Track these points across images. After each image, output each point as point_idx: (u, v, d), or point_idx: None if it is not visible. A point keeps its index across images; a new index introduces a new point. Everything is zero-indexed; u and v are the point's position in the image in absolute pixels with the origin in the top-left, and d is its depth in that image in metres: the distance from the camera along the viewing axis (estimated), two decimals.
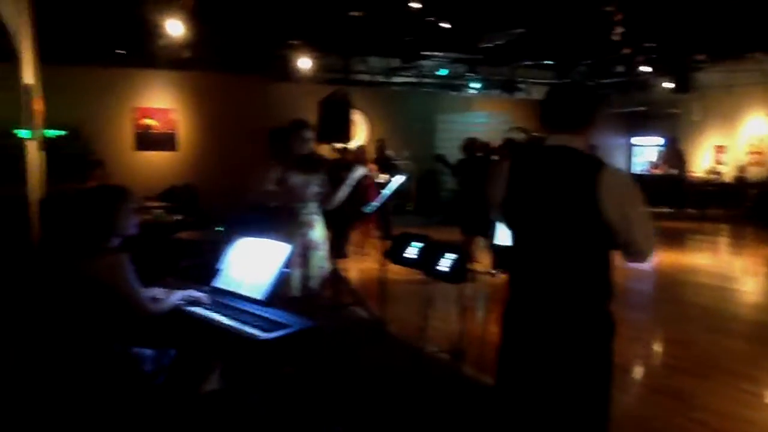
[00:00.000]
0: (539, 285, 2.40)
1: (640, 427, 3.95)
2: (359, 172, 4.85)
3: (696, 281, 7.71)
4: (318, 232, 4.69)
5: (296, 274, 4.52)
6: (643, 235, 2.30)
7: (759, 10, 9.67)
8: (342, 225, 8.12)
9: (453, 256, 3.99)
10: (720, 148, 17.19)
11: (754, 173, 16.32)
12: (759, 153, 17.38)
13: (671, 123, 18.35)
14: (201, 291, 3.40)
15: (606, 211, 2.24)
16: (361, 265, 8.67)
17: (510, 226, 2.53)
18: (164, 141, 12.42)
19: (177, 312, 3.19)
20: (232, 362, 3.38)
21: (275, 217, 4.69)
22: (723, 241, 12.89)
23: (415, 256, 4.31)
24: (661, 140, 18.66)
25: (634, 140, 19.02)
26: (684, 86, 14.36)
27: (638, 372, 5.03)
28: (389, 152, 10.75)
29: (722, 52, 13.18)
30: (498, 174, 2.51)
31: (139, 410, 2.95)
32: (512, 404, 2.51)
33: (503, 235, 3.34)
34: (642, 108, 18.03)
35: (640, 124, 18.56)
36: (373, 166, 8.41)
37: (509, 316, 2.50)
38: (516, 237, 2.51)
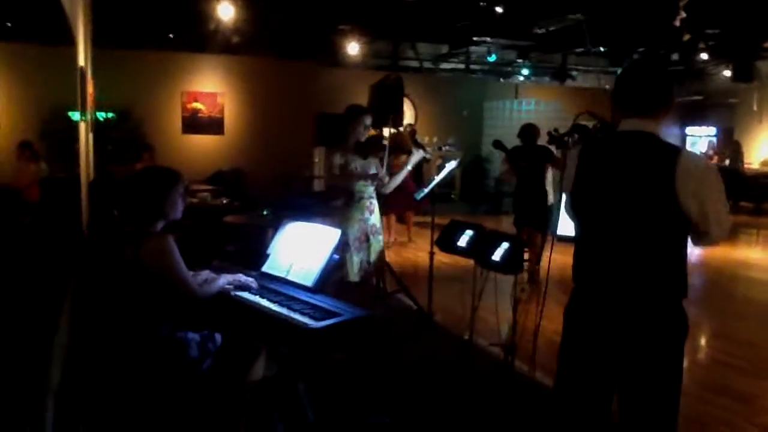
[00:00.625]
0: (609, 278, 2.25)
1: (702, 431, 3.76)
2: (417, 155, 4.83)
3: (750, 276, 7.39)
4: (377, 217, 4.70)
5: (356, 259, 4.54)
6: (718, 225, 2.19)
7: None
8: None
9: (507, 245, 3.84)
10: None
11: None
12: None
13: (728, 113, 17.76)
14: (248, 276, 3.34)
15: (683, 199, 2.11)
16: (407, 253, 8.57)
17: (579, 215, 2.38)
18: (212, 125, 12.49)
19: (224, 297, 3.13)
20: (279, 349, 3.31)
21: (329, 203, 4.70)
22: None
23: (468, 245, 4.18)
24: (713, 130, 18.09)
25: (688, 130, 18.46)
26: (745, 75, 13.80)
27: (696, 372, 4.82)
28: (418, 139, 10.58)
29: None
30: (569, 161, 2.38)
31: (184, 395, 2.90)
32: (576, 405, 2.38)
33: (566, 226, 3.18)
34: (698, 97, 17.44)
35: (695, 113, 17.98)
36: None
37: (575, 311, 2.36)
38: (584, 227, 2.36)
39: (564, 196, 2.46)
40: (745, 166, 15.93)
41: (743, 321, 6.25)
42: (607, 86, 16.47)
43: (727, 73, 14.66)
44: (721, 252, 9.05)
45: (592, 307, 2.29)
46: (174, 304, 2.92)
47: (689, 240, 2.27)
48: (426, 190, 5.30)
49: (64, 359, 3.12)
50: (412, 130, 10.96)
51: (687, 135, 18.50)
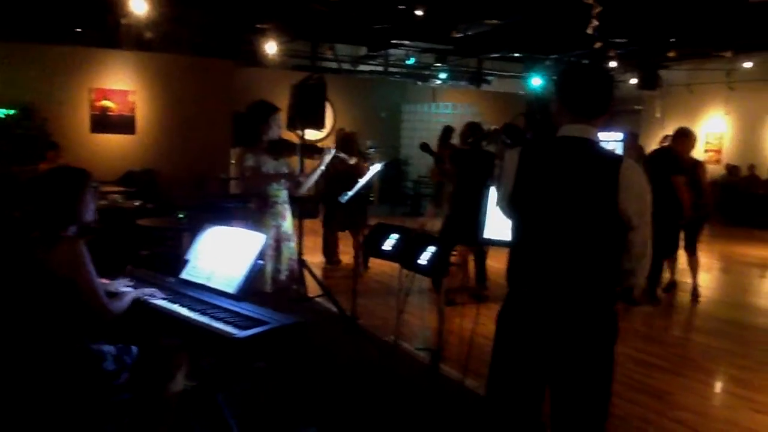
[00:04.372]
0: (546, 282, 2.24)
1: (621, 428, 3.85)
2: (329, 154, 4.62)
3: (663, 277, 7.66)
4: (289, 223, 4.48)
5: (268, 267, 4.27)
6: (649, 234, 2.25)
7: (727, 9, 9.74)
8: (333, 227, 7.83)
9: (433, 248, 3.81)
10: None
11: (711, 171, 16.58)
12: (716, 151, 17.74)
13: (634, 119, 18.60)
14: (166, 282, 3.17)
15: (625, 206, 2.15)
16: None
17: (517, 218, 2.36)
18: (122, 124, 11.96)
19: (141, 306, 2.95)
20: (200, 360, 3.16)
21: (244, 206, 4.45)
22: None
23: (393, 249, 4.12)
24: (621, 135, 18.85)
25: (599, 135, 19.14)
26: (650, 83, 14.48)
27: (615, 370, 4.95)
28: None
29: (689, 50, 13.31)
30: (507, 163, 2.36)
31: (99, 411, 2.72)
32: (507, 409, 2.37)
33: (496, 230, 3.16)
34: None
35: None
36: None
37: (509, 315, 2.34)
38: (522, 230, 2.35)
39: (497, 195, 2.44)
40: None
41: (657, 319, 6.49)
42: (521, 91, 16.98)
43: (634, 80, 15.32)
44: None
45: (526, 311, 2.28)
46: (86, 315, 2.73)
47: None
48: (350, 193, 5.22)
49: None
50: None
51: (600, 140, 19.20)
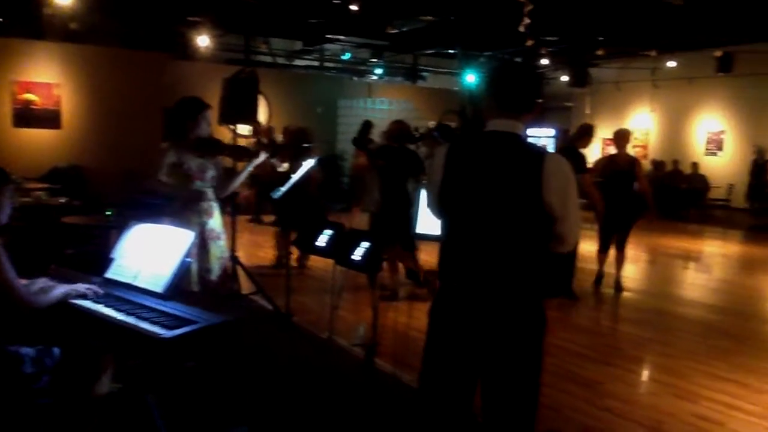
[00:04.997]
0: (475, 276, 2.27)
1: (551, 417, 3.94)
2: (260, 157, 4.50)
3: (582, 267, 7.85)
4: (217, 221, 4.34)
5: (194, 267, 4.10)
6: (576, 225, 2.30)
7: (651, 10, 10.09)
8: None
9: (367, 244, 3.81)
10: (608, 141, 17.97)
11: None
12: (643, 146, 18.38)
13: (565, 116, 19.08)
14: (91, 282, 3.06)
15: (549, 198, 2.18)
16: (264, 253, 8.39)
17: (446, 213, 2.38)
18: (47, 118, 11.55)
19: (63, 306, 2.85)
20: (127, 361, 3.07)
21: (171, 204, 4.27)
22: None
23: (327, 245, 4.11)
24: (552, 131, 19.37)
25: (530, 131, 19.56)
26: (580, 80, 14.89)
27: (545, 360, 5.06)
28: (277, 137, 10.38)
29: (616, 49, 13.72)
30: (436, 160, 2.37)
31: (16, 416, 2.61)
32: (439, 402, 2.38)
33: (426, 224, 3.18)
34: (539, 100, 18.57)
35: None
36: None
37: (440, 309, 2.36)
38: (451, 226, 2.37)
39: (427, 194, 2.46)
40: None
41: (586, 310, 6.68)
42: (456, 88, 17.19)
43: (565, 78, 15.72)
44: None
45: (457, 305, 2.30)
46: (2, 315, 2.61)
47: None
48: (283, 189, 5.15)
49: None
50: (269, 129, 10.73)
51: (529, 136, 19.62)
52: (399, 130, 6.25)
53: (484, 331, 2.25)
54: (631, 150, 17.70)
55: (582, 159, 6.72)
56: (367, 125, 9.32)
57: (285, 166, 6.34)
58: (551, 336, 5.60)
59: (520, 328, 2.25)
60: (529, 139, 2.38)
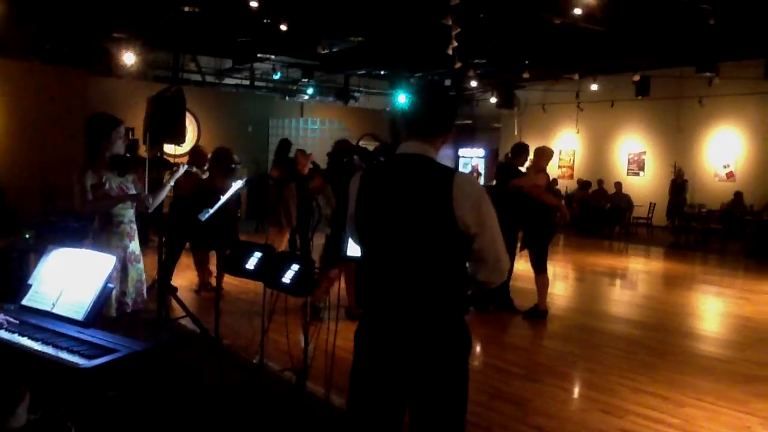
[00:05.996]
0: (393, 299, 2.27)
1: None
2: (181, 170, 4.44)
3: (518, 286, 7.99)
4: (137, 244, 4.19)
5: (114, 291, 3.90)
6: (496, 241, 2.28)
7: (575, 34, 10.48)
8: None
9: (297, 267, 3.77)
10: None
11: (563, 185, 17.73)
12: (569, 167, 18.98)
13: (494, 136, 19.53)
14: (5, 311, 2.91)
15: (462, 217, 2.18)
16: (193, 276, 8.18)
17: (361, 238, 2.39)
18: None
19: None
20: (43, 392, 2.92)
21: (92, 226, 4.10)
22: None
23: (256, 268, 4.03)
24: (482, 152, 19.81)
25: (460, 152, 19.93)
26: (507, 102, 15.28)
27: (473, 377, 5.09)
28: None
29: (541, 72, 14.15)
30: (351, 185, 2.39)
31: None
32: (368, 425, 2.36)
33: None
34: (468, 121, 18.99)
35: (465, 136, 19.50)
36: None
37: (363, 333, 2.35)
38: (368, 251, 2.37)
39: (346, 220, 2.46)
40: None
41: (513, 327, 6.78)
42: (387, 108, 17.36)
43: (493, 100, 16.10)
44: None
45: (378, 329, 2.30)
46: None
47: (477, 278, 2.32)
48: (211, 211, 5.04)
49: None
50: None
51: (459, 156, 19.98)
52: (345, 147, 6.26)
53: (407, 354, 2.24)
54: (557, 170, 18.34)
55: (522, 176, 7.00)
56: (284, 144, 9.14)
57: (207, 174, 6.18)
58: (480, 353, 5.69)
59: (442, 348, 2.25)
60: (461, 159, 2.40)
